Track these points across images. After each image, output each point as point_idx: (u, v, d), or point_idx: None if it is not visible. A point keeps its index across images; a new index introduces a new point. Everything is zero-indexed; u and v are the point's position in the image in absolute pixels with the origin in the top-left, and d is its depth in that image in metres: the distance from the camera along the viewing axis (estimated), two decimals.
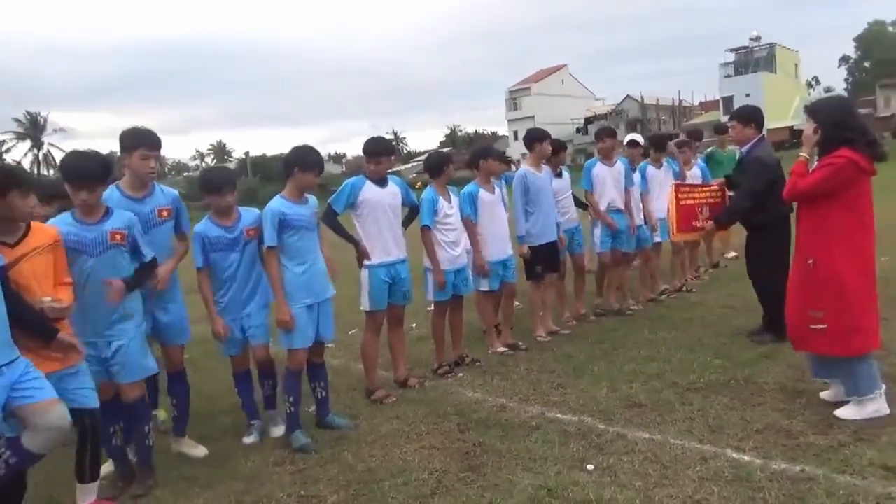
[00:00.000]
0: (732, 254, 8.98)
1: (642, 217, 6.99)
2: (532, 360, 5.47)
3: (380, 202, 4.79)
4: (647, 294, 7.19)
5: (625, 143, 7.31)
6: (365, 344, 4.93)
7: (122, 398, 3.71)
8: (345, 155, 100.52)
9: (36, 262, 3.23)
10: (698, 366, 4.84)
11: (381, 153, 4.87)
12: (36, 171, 60.76)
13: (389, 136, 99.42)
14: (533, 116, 68.53)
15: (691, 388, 4.45)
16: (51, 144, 68.22)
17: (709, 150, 9.38)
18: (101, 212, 3.59)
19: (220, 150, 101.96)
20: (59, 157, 65.38)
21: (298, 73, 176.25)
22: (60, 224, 3.50)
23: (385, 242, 4.80)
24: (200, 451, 4.19)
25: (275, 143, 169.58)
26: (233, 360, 4.41)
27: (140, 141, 3.85)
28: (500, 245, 5.73)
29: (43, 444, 2.96)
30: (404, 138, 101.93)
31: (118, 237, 3.58)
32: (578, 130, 69.13)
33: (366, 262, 4.80)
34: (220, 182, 4.21)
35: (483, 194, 5.66)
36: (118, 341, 3.60)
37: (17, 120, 66.66)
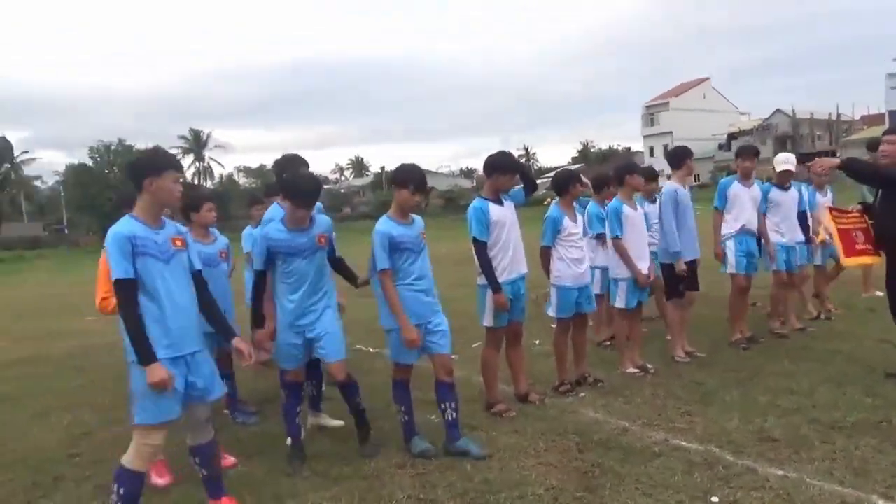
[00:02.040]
0: (877, 293, 8.00)
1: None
2: (658, 384, 5.30)
3: (505, 220, 4.81)
4: (794, 322, 6.73)
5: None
6: (485, 358, 5.00)
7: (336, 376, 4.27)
8: (476, 170, 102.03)
9: None
10: (844, 403, 4.47)
11: (510, 168, 4.91)
12: (197, 182, 66.97)
13: (520, 152, 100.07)
14: (671, 132, 66.06)
15: (835, 426, 4.12)
16: (211, 158, 74.98)
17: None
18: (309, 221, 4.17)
19: (358, 165, 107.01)
20: (216, 169, 71.87)
21: (433, 90, 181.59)
22: (273, 232, 4.09)
23: (510, 260, 4.83)
24: (337, 423, 4.84)
25: (409, 157, 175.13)
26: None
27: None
28: (643, 262, 5.67)
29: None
30: (535, 154, 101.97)
31: (322, 240, 4.19)
32: (721, 147, 65.53)
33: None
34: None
35: (627, 210, 5.63)
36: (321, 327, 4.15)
37: (182, 136, 73.78)
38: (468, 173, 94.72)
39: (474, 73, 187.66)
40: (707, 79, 72.73)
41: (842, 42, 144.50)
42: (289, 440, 4.32)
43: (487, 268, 4.69)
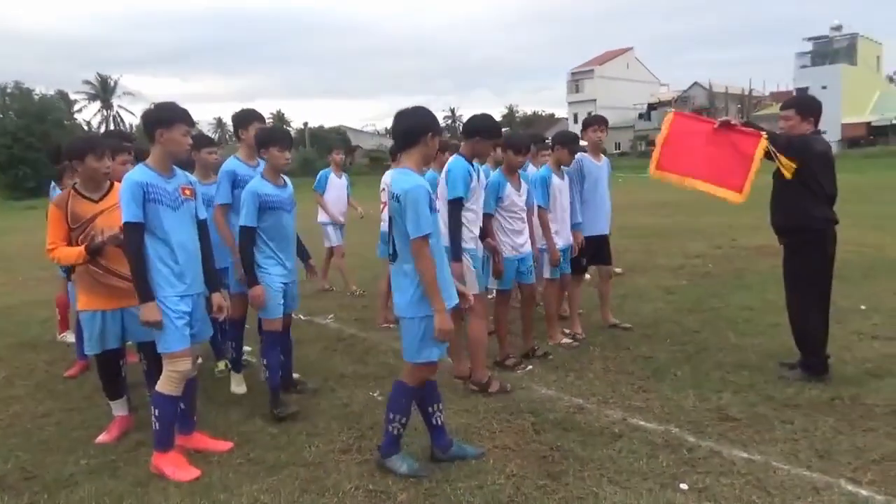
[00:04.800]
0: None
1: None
2: (608, 358, 5.16)
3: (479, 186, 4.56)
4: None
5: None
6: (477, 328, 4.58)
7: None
8: None
9: (115, 216, 3.69)
10: (796, 379, 4.44)
11: (494, 134, 4.50)
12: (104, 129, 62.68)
13: (446, 114, 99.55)
14: (595, 100, 67.10)
15: (789, 404, 4.08)
16: (120, 107, 70.27)
17: None
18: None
19: (280, 120, 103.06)
20: (127, 118, 67.56)
21: (360, 48, 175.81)
22: (262, 187, 4.20)
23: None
24: (242, 388, 4.75)
25: (332, 115, 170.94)
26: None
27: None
28: (566, 231, 5.60)
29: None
30: (461, 116, 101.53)
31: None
32: (641, 116, 67.28)
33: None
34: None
35: (555, 180, 5.43)
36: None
37: (87, 82, 68.67)
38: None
39: (403, 34, 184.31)
40: (630, 48, 74.01)
41: (760, 20, 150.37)
42: (272, 393, 4.29)
43: (456, 231, 4.28)
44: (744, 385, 4.41)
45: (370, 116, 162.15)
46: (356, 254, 9.54)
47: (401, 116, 3.37)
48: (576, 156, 5.69)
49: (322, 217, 8.27)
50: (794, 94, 53.48)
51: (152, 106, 3.71)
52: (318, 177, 8.41)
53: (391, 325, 6.10)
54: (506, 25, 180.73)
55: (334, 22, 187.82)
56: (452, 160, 4.48)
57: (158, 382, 3.51)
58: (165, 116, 3.47)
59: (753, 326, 5.80)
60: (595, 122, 5.84)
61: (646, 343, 5.50)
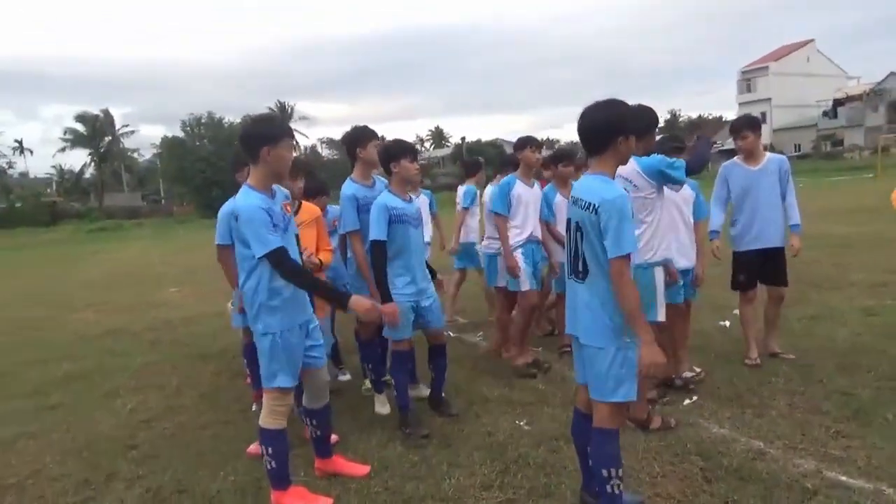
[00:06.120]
0: None
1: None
2: (794, 392, 4.41)
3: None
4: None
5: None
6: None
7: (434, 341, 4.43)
8: (558, 141, 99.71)
9: (304, 233, 3.88)
10: None
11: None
12: None
13: None
14: (769, 99, 61.86)
15: None
16: (296, 130, 76.38)
17: None
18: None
19: (438, 136, 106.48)
20: (301, 140, 73.34)
21: (516, 61, 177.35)
22: (391, 200, 4.14)
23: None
24: (386, 409, 4.65)
25: (489, 129, 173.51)
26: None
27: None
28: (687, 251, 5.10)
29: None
30: None
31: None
32: (826, 114, 60.79)
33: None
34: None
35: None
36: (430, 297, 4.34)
37: (269, 108, 75.40)
38: (550, 144, 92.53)
39: (560, 43, 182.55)
40: (811, 40, 67.20)
41: None
42: (402, 412, 4.26)
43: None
44: None
45: (523, 128, 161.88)
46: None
47: (590, 113, 2.83)
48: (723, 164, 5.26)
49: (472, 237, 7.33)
50: None
51: (249, 121, 3.46)
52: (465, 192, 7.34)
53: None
54: (665, 27, 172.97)
55: (490, 38, 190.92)
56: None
57: (262, 417, 3.29)
58: (271, 132, 3.16)
59: None
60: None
61: (843, 375, 4.65)
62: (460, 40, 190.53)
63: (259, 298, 3.15)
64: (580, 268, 2.84)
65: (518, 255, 5.25)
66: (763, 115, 57.21)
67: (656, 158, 3.94)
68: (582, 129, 2.86)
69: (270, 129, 3.17)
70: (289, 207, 3.36)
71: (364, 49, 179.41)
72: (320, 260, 4.43)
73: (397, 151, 4.20)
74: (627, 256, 2.67)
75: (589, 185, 2.82)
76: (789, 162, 5.24)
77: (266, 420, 3.27)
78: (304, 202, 4.45)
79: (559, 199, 5.58)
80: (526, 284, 5.28)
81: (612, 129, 2.78)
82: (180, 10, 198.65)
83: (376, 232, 4.07)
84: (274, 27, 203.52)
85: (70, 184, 70.75)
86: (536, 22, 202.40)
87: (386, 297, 4.04)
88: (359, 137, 4.51)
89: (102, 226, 45.13)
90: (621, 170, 3.51)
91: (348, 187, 4.46)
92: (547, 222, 5.61)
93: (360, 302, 3.25)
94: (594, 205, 2.71)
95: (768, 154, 5.21)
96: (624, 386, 2.77)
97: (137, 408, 5.26)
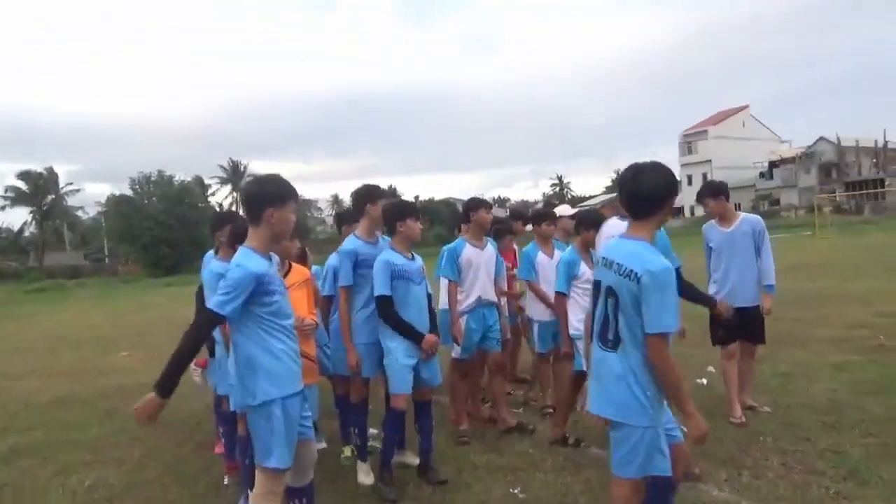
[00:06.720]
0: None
1: None
2: (786, 452, 4.39)
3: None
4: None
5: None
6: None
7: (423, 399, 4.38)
8: (508, 199, 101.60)
9: (294, 295, 3.72)
10: None
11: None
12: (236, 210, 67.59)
13: (553, 182, 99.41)
14: (710, 161, 64.75)
15: None
16: None
17: None
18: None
19: (391, 195, 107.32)
20: None
21: (466, 120, 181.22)
22: (394, 258, 4.17)
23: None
24: (370, 478, 4.36)
25: (442, 187, 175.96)
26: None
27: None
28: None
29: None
30: (569, 183, 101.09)
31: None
32: (762, 175, 64.04)
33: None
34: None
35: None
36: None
37: (221, 166, 74.88)
38: (501, 202, 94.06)
39: (506, 104, 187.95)
40: (746, 106, 71.33)
41: (888, 67, 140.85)
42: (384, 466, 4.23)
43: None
44: None
45: (475, 187, 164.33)
46: None
47: (645, 177, 2.71)
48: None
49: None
50: None
51: (254, 180, 3.24)
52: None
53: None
54: (609, 90, 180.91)
55: (442, 99, 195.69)
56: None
57: (253, 498, 3.01)
58: (278, 193, 2.94)
59: None
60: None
61: (830, 434, 4.67)
62: (414, 102, 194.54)
63: (261, 362, 2.91)
64: (610, 336, 2.70)
65: (463, 321, 5.09)
66: (704, 175, 59.77)
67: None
68: (632, 193, 2.73)
69: (278, 190, 2.96)
70: (279, 271, 3.31)
71: (318, 108, 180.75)
72: (314, 321, 4.24)
73: (406, 211, 4.27)
74: (666, 335, 2.56)
75: (630, 250, 2.66)
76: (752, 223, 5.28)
77: (258, 502, 2.99)
78: (293, 264, 4.34)
79: (541, 257, 5.57)
80: (456, 351, 5.17)
81: (666, 195, 2.71)
82: (131, 66, 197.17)
83: (381, 288, 4.11)
84: (227, 85, 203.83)
85: (7, 242, 67.93)
86: (490, 84, 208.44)
87: (416, 335, 4.17)
88: (371, 194, 4.48)
89: (42, 286, 43.01)
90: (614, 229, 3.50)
91: (350, 243, 4.38)
92: (528, 281, 5.57)
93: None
94: (636, 273, 2.57)
95: (742, 214, 5.35)
96: (652, 463, 2.65)
97: (96, 485, 4.85)
